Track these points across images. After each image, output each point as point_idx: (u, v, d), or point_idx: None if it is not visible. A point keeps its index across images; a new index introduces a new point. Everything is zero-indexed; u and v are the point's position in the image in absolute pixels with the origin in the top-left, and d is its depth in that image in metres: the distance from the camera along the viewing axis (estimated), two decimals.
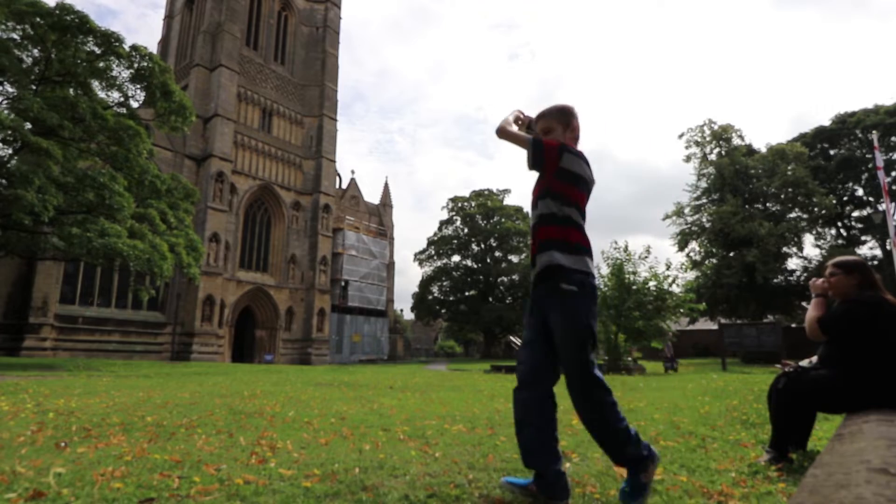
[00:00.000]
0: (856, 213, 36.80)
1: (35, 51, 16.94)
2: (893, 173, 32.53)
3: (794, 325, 30.88)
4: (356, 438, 3.72)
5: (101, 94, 18.14)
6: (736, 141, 36.99)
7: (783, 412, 2.86)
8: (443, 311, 49.00)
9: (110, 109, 17.53)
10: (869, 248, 35.78)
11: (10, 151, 16.41)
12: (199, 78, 33.08)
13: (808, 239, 36.18)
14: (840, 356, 2.77)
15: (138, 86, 18.19)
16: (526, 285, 44.81)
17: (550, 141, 2.26)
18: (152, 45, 41.62)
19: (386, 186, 49.70)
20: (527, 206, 61.91)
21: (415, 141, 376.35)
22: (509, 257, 47.98)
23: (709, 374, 15.60)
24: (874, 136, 18.18)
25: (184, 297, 29.94)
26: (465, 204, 49.28)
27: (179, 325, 29.76)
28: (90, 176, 15.70)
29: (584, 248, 2.22)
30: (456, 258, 49.30)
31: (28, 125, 15.35)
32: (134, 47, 17.45)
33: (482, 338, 51.38)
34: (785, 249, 33.47)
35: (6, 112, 14.60)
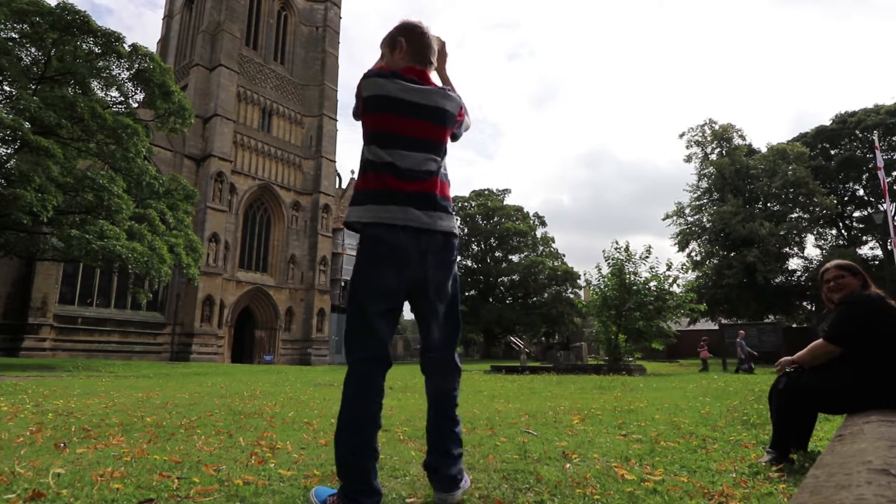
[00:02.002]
0: (857, 213, 36.84)
1: (34, 50, 16.93)
2: (894, 173, 32.53)
3: (794, 326, 30.89)
4: None
5: (101, 94, 18.14)
6: (737, 141, 37.02)
7: (784, 412, 2.86)
8: None
9: (109, 109, 17.52)
10: (870, 248, 35.81)
11: (10, 151, 16.41)
12: (198, 78, 33.07)
13: (809, 239, 36.21)
14: (842, 356, 2.77)
15: (138, 86, 18.19)
16: (526, 285, 44.84)
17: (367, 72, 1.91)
18: (149, 44, 41.60)
19: None
20: (527, 206, 61.92)
21: None
22: (509, 257, 47.98)
23: (709, 374, 15.61)
24: (875, 135, 18.19)
25: (183, 298, 29.93)
26: (465, 204, 49.27)
27: (179, 325, 29.75)
28: (89, 177, 15.69)
29: (362, 194, 1.84)
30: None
31: (27, 125, 15.36)
32: (134, 47, 17.44)
33: (482, 338, 51.37)
34: (786, 250, 33.49)
35: (5, 112, 14.60)
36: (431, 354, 2.00)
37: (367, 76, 1.86)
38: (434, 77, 2.05)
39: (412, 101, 1.83)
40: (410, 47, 1.95)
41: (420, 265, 1.81)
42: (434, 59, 2.01)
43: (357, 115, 1.94)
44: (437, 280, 1.86)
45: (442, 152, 1.93)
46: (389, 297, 1.83)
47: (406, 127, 1.83)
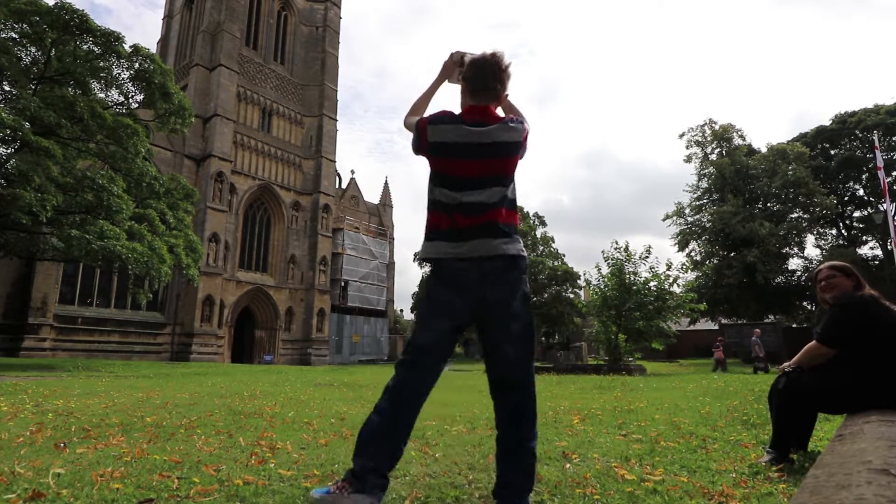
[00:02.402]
0: (857, 213, 36.84)
1: (34, 50, 16.93)
2: (894, 173, 32.54)
3: (794, 326, 30.89)
4: (356, 439, 3.71)
5: (101, 95, 18.14)
6: (737, 141, 37.02)
7: (784, 412, 2.86)
8: None
9: (109, 109, 17.51)
10: (870, 248, 35.83)
11: (10, 151, 16.40)
12: (198, 78, 33.07)
13: (809, 239, 36.22)
14: (841, 356, 2.77)
15: (138, 86, 18.18)
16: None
17: (426, 119, 2.04)
18: (148, 43, 41.63)
19: (386, 186, 49.70)
20: (527, 206, 61.84)
21: None
22: None
23: (709, 374, 15.61)
24: (875, 135, 18.19)
25: (183, 298, 29.93)
26: None
27: (179, 325, 29.75)
28: (89, 177, 15.68)
29: (433, 232, 2.02)
30: None
31: (27, 125, 15.35)
32: (135, 47, 17.44)
33: None
34: (786, 250, 33.49)
35: (6, 112, 14.60)
36: (501, 372, 2.06)
37: (431, 122, 1.99)
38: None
39: (473, 142, 1.93)
40: (470, 85, 2.03)
41: (480, 288, 1.93)
42: (497, 92, 2.05)
43: (417, 151, 2.07)
44: (500, 300, 1.95)
45: (506, 181, 2.01)
46: (450, 317, 1.98)
47: (469, 168, 1.95)
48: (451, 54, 2.17)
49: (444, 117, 1.99)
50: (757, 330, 19.00)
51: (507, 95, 2.13)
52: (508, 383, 2.05)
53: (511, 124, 1.99)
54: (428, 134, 1.98)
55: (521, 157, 2.06)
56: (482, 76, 2.00)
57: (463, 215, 1.95)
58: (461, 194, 1.95)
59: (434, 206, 2.03)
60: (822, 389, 2.77)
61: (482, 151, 1.93)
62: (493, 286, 1.94)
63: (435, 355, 2.02)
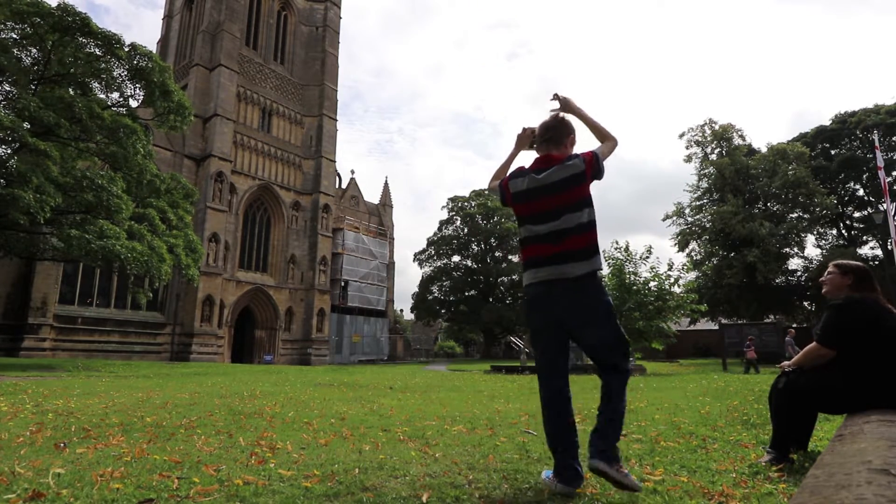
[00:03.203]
0: (857, 213, 36.82)
1: (34, 51, 16.93)
2: (894, 173, 32.54)
3: (794, 326, 30.88)
4: (356, 439, 3.72)
5: (101, 95, 18.13)
6: (737, 141, 37.01)
7: (784, 412, 2.86)
8: (443, 311, 48.94)
9: (108, 109, 17.51)
10: (870, 248, 35.80)
11: (10, 151, 16.40)
12: (198, 77, 33.06)
13: (810, 239, 36.21)
14: (840, 357, 2.77)
15: (137, 85, 18.18)
16: None
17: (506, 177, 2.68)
18: (147, 43, 41.55)
19: (386, 186, 49.68)
20: None
21: (414, 140, 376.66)
22: (509, 257, 47.91)
23: (709, 374, 15.60)
24: (875, 135, 18.20)
25: (183, 298, 29.92)
26: (465, 204, 49.21)
27: (179, 325, 29.75)
28: (88, 177, 15.67)
29: (524, 263, 2.57)
30: (456, 258, 49.25)
31: (27, 125, 15.35)
32: (133, 46, 17.43)
33: (482, 338, 51.32)
34: (786, 250, 33.48)
35: (4, 112, 14.59)
36: (598, 359, 2.44)
37: (510, 178, 2.61)
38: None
39: (538, 186, 2.46)
40: (536, 141, 2.65)
41: (557, 306, 2.39)
42: (553, 141, 2.57)
43: (505, 204, 2.68)
44: (578, 312, 2.38)
45: (574, 208, 2.40)
46: (545, 331, 2.48)
47: (540, 206, 2.46)
48: (524, 129, 2.78)
49: (516, 173, 2.61)
50: (791, 330, 18.67)
51: (570, 141, 2.61)
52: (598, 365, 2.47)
53: (566, 163, 2.45)
54: (509, 189, 2.58)
55: (597, 178, 2.45)
56: (540, 133, 2.60)
57: (539, 244, 2.45)
58: (532, 228, 2.48)
59: (521, 242, 2.60)
60: (821, 389, 2.77)
61: (546, 191, 2.43)
62: (571, 304, 2.37)
63: (548, 361, 2.49)
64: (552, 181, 2.42)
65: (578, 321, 2.39)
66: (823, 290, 3.05)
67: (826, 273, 3.06)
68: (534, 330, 2.50)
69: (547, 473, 2.42)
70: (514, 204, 2.58)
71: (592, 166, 2.44)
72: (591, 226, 2.40)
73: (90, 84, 17.39)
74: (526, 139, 2.77)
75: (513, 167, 2.77)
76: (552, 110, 2.66)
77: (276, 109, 37.14)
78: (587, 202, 2.42)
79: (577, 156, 2.48)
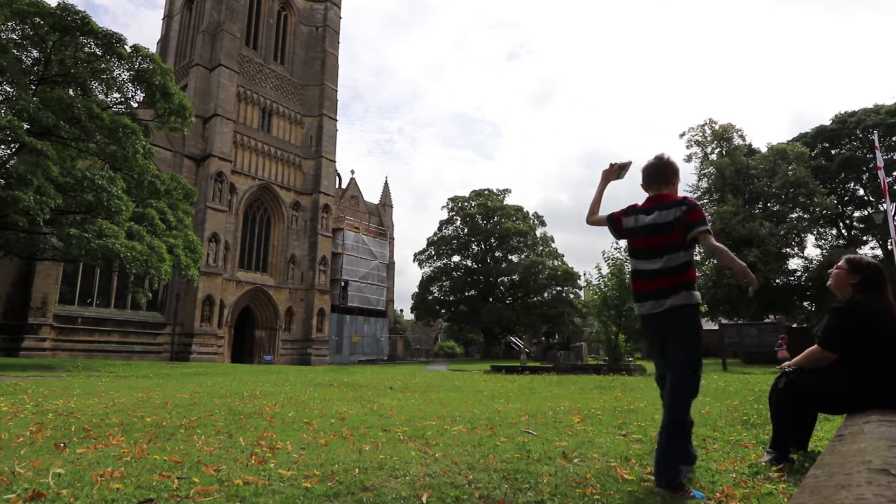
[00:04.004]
0: (857, 213, 36.81)
1: (35, 51, 16.91)
2: (894, 173, 32.52)
3: (794, 326, 30.89)
4: (356, 439, 3.72)
5: (101, 95, 18.11)
6: (737, 141, 36.99)
7: (784, 413, 2.86)
8: (443, 311, 48.90)
9: (108, 109, 17.50)
10: (870, 248, 35.77)
11: (10, 152, 16.39)
12: (198, 77, 33.05)
13: (810, 239, 36.19)
14: (840, 358, 2.77)
15: (138, 86, 18.17)
16: (526, 285, 44.80)
17: (617, 212, 2.93)
18: (145, 42, 41.59)
19: (386, 186, 49.65)
20: (526, 206, 61.79)
21: (414, 140, 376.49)
22: (509, 257, 47.88)
23: (709, 374, 15.58)
24: (875, 135, 18.19)
25: (183, 298, 29.92)
26: (465, 204, 49.17)
27: (179, 325, 29.74)
28: (88, 177, 15.67)
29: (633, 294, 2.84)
30: (456, 258, 49.19)
31: (26, 125, 15.33)
32: (135, 48, 17.42)
33: (482, 338, 51.29)
34: (786, 250, 33.47)
35: (3, 112, 14.59)
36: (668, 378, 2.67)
37: (624, 214, 2.81)
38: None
39: (642, 225, 2.70)
40: (643, 182, 2.81)
41: (657, 333, 2.69)
42: (661, 183, 2.76)
43: (618, 237, 2.92)
44: (669, 337, 2.65)
45: (672, 249, 2.60)
46: (654, 349, 2.81)
47: (641, 243, 2.71)
48: (611, 164, 3.03)
49: (629, 210, 2.82)
50: (783, 337, 18.58)
51: (676, 181, 2.81)
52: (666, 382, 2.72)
53: (670, 209, 2.63)
54: (622, 224, 2.81)
55: (692, 231, 2.55)
56: (648, 175, 2.79)
57: (639, 279, 2.72)
58: (637, 262, 2.75)
59: (631, 276, 2.87)
60: (822, 389, 2.77)
61: (648, 231, 2.67)
62: (664, 331, 2.65)
63: (661, 376, 2.79)
64: (652, 223, 2.66)
65: (672, 343, 2.65)
66: (828, 283, 3.03)
67: (835, 267, 3.03)
68: (647, 344, 2.98)
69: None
70: (628, 238, 2.82)
71: (688, 217, 2.58)
72: (689, 265, 2.65)
73: (90, 84, 17.36)
74: (612, 174, 3.02)
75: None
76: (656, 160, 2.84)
77: (276, 109, 37.13)
78: (682, 247, 2.61)
79: (684, 201, 2.64)
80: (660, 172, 2.75)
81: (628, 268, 18.71)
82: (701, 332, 2.68)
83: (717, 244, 2.58)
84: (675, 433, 2.43)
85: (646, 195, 2.81)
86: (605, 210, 3.01)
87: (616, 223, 2.83)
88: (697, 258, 35.42)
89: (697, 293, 2.61)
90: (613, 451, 3.28)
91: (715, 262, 33.95)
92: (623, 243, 19.71)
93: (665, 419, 2.52)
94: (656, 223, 2.63)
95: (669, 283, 2.57)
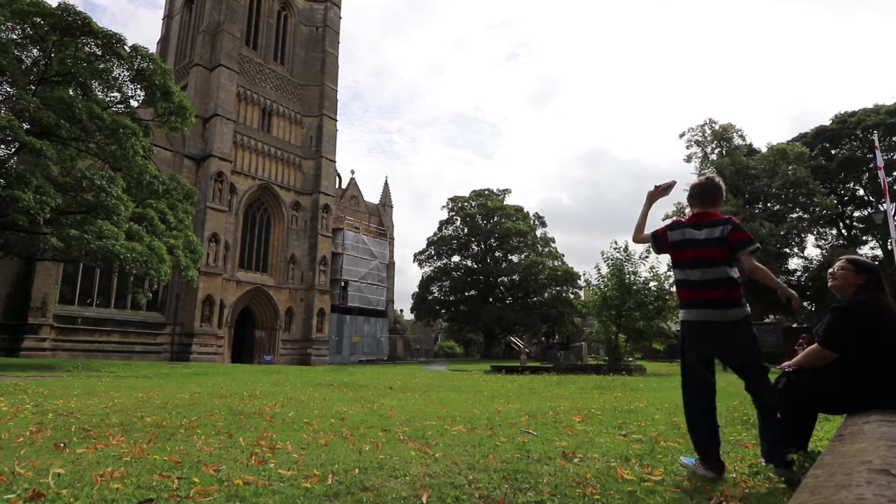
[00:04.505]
0: (857, 213, 36.83)
1: (35, 51, 16.92)
2: (894, 173, 32.52)
3: (794, 326, 30.88)
4: (356, 439, 3.72)
5: (101, 95, 18.11)
6: (737, 141, 37.02)
7: (784, 412, 2.86)
8: (443, 311, 48.89)
9: (108, 109, 17.50)
10: (870, 248, 35.81)
11: (10, 151, 16.39)
12: (198, 78, 33.05)
13: (810, 239, 36.20)
14: (841, 357, 2.77)
15: (138, 86, 18.18)
16: (526, 285, 44.79)
17: (661, 228, 3.12)
18: (144, 41, 41.51)
19: (386, 186, 49.66)
20: (526, 206, 61.81)
21: (413, 140, 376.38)
22: (509, 257, 47.88)
23: None
24: (875, 135, 18.19)
25: (183, 298, 29.92)
26: (465, 204, 49.17)
27: (179, 325, 29.74)
28: (88, 177, 15.67)
29: (680, 302, 2.99)
30: (456, 258, 49.19)
31: (26, 125, 15.33)
32: (134, 48, 17.42)
33: (482, 338, 51.28)
34: (786, 249, 33.48)
35: (3, 112, 14.59)
36: (750, 384, 2.86)
37: (669, 229, 3.03)
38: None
39: (689, 238, 2.90)
40: (693, 200, 3.05)
41: (713, 342, 2.82)
42: (710, 203, 2.98)
43: (659, 251, 3.12)
44: (729, 346, 2.83)
45: (718, 264, 2.81)
46: (699, 357, 2.92)
47: (689, 255, 2.89)
48: (656, 186, 3.24)
49: (673, 225, 3.03)
50: (804, 335, 18.57)
51: (722, 202, 3.03)
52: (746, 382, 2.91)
53: (717, 226, 2.85)
54: (667, 238, 3.01)
55: (735, 250, 2.80)
56: (698, 194, 3.01)
57: (688, 289, 2.87)
58: (684, 272, 2.90)
59: (677, 285, 3.01)
60: (822, 390, 2.77)
61: (694, 244, 2.88)
62: (724, 341, 2.80)
63: (698, 380, 2.90)
64: (699, 237, 2.87)
65: (734, 351, 2.85)
66: (830, 284, 3.01)
67: (837, 267, 3.00)
68: (690, 352, 2.93)
69: (687, 459, 2.88)
70: (671, 251, 3.01)
71: (733, 237, 2.82)
72: (735, 283, 2.82)
73: (90, 84, 17.36)
74: (657, 195, 3.24)
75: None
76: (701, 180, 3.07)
77: (276, 109, 37.14)
78: (728, 263, 2.85)
79: (729, 220, 2.88)
80: (710, 192, 2.99)
81: (628, 268, 18.77)
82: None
83: (759, 265, 2.81)
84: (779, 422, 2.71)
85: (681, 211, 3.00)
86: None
87: (660, 239, 3.06)
88: None
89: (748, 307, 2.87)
90: (613, 451, 3.28)
91: None
92: (622, 241, 19.74)
93: (770, 414, 2.72)
94: (708, 238, 2.84)
95: (724, 294, 2.78)
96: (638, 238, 3.24)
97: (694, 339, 2.90)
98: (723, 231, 2.82)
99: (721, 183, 3.05)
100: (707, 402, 2.86)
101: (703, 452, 2.69)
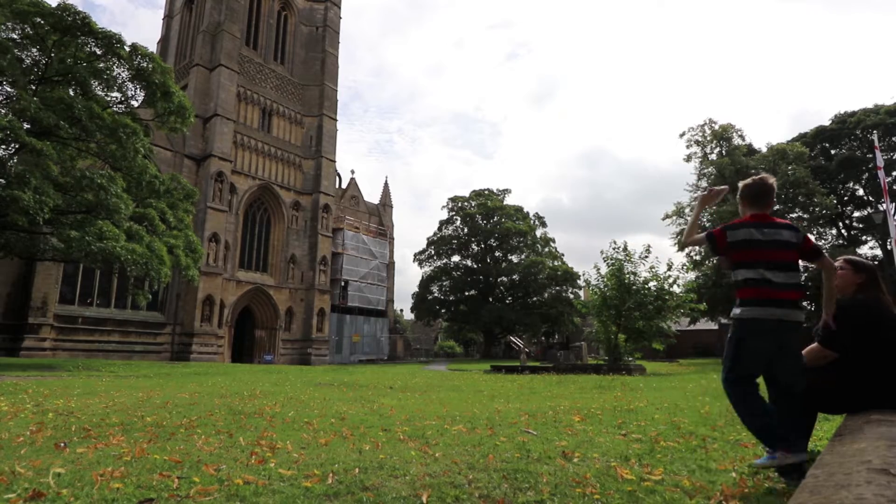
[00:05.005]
0: (856, 213, 36.83)
1: (35, 51, 16.91)
2: (894, 173, 32.53)
3: None
4: (356, 439, 3.72)
5: (102, 95, 18.10)
6: (736, 140, 37.02)
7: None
8: (443, 311, 48.90)
9: (108, 109, 17.49)
10: (869, 248, 35.81)
11: (11, 151, 16.39)
12: (198, 78, 33.05)
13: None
14: (841, 357, 2.77)
15: (138, 85, 18.17)
16: (526, 285, 44.79)
17: (717, 229, 2.95)
18: (143, 40, 41.53)
19: (386, 186, 49.67)
20: (526, 206, 61.81)
21: (413, 140, 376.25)
22: (509, 257, 47.88)
23: (709, 374, 15.60)
24: (874, 135, 18.19)
25: (183, 298, 29.92)
26: (465, 204, 49.17)
27: (179, 325, 29.74)
28: (88, 176, 15.66)
29: (746, 301, 2.82)
30: (456, 258, 49.21)
31: (27, 125, 15.32)
32: (134, 47, 17.42)
33: (482, 338, 51.28)
34: None
35: (3, 112, 14.58)
36: (783, 379, 2.80)
37: (727, 229, 2.87)
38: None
39: (758, 239, 2.77)
40: (750, 201, 2.94)
41: (775, 341, 2.72)
42: (763, 203, 2.90)
43: (716, 252, 2.97)
44: (787, 345, 2.74)
45: (794, 267, 2.77)
46: (759, 355, 2.80)
47: (763, 256, 2.75)
48: (710, 189, 3.17)
49: (735, 226, 2.87)
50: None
51: (773, 204, 2.97)
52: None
53: (782, 229, 2.80)
54: (726, 238, 2.85)
55: (812, 257, 2.82)
56: (754, 194, 2.92)
57: (770, 288, 2.72)
58: (757, 272, 2.74)
59: (744, 283, 2.82)
60: (821, 389, 2.77)
61: (772, 245, 2.75)
62: (787, 340, 2.72)
63: (753, 377, 2.83)
64: (784, 239, 2.78)
65: (787, 351, 2.76)
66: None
67: (837, 267, 3.01)
68: (749, 351, 2.81)
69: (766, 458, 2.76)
70: (733, 251, 2.87)
71: (809, 251, 2.84)
72: (800, 287, 2.80)
73: (90, 83, 17.36)
74: (711, 199, 3.18)
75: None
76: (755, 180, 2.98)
77: (276, 109, 37.14)
78: (798, 269, 2.85)
79: (796, 228, 2.86)
80: (765, 194, 2.93)
81: (628, 268, 18.76)
82: None
83: (832, 263, 2.87)
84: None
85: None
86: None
87: (717, 240, 2.91)
88: (697, 258, 35.50)
89: None
90: (613, 450, 3.28)
91: (715, 262, 33.97)
92: (622, 241, 19.71)
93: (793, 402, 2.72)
94: (777, 240, 2.79)
95: (799, 296, 2.77)
96: (690, 241, 3.13)
97: (760, 336, 2.77)
98: (795, 237, 2.79)
99: (774, 184, 2.98)
100: (758, 392, 2.84)
101: (783, 439, 2.59)
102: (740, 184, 3.03)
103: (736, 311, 2.86)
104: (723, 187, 3.15)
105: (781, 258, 2.76)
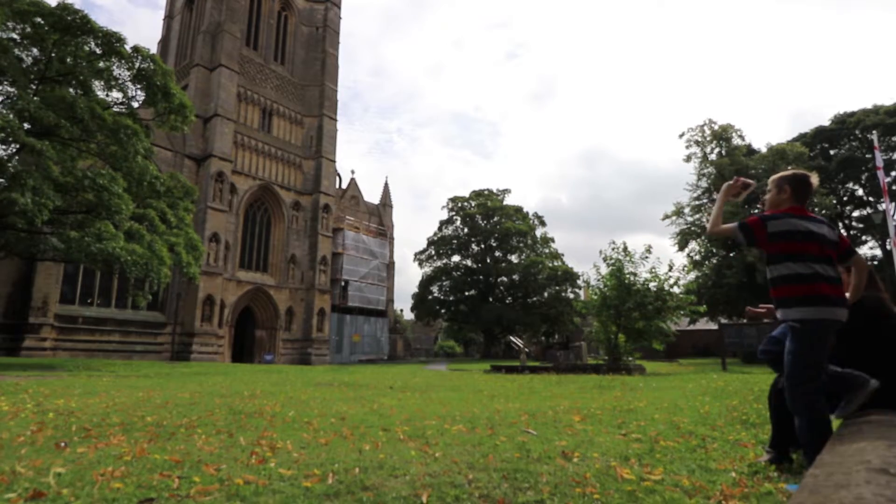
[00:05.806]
0: (856, 213, 36.84)
1: (35, 50, 16.92)
2: (893, 173, 32.54)
3: None
4: (356, 438, 3.72)
5: (102, 94, 18.12)
6: (736, 141, 37.05)
7: (783, 412, 2.86)
8: (443, 311, 48.92)
9: (110, 109, 17.50)
10: (869, 248, 35.80)
11: (11, 152, 16.39)
12: (198, 78, 33.06)
13: None
14: (840, 357, 2.78)
15: (139, 86, 18.18)
16: (526, 285, 44.80)
17: (752, 218, 2.78)
18: (142, 41, 41.50)
19: (386, 186, 49.65)
20: (526, 206, 61.90)
21: (413, 140, 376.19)
22: (509, 257, 47.89)
23: (709, 374, 15.60)
24: (874, 136, 18.19)
25: (184, 297, 29.93)
26: (465, 204, 49.20)
27: (179, 325, 29.75)
28: (89, 176, 15.67)
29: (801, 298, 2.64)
30: (456, 258, 49.22)
31: (27, 125, 15.31)
32: (135, 48, 17.43)
33: (482, 338, 51.28)
34: None
35: (3, 112, 14.58)
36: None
37: (766, 220, 2.70)
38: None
39: (805, 231, 2.64)
40: (795, 194, 2.80)
41: (831, 341, 2.59)
42: (804, 198, 2.81)
43: (752, 243, 2.78)
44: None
45: (833, 262, 2.66)
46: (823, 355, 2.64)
47: (814, 249, 2.62)
48: (737, 179, 3.01)
49: (776, 216, 2.72)
50: None
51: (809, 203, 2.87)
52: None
53: (822, 224, 2.71)
54: (766, 228, 2.68)
55: (847, 255, 2.78)
56: (800, 189, 2.81)
57: (827, 284, 2.59)
58: (807, 265, 2.60)
59: (787, 280, 2.67)
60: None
61: (822, 239, 2.65)
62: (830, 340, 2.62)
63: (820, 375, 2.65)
64: (826, 234, 2.69)
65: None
66: None
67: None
68: (818, 354, 2.63)
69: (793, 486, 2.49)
70: (773, 243, 2.71)
71: (846, 248, 2.79)
72: (835, 281, 2.69)
73: (91, 83, 17.37)
74: (735, 189, 3.00)
75: None
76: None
77: (276, 109, 37.16)
78: (834, 266, 2.75)
79: (832, 224, 2.80)
80: (807, 186, 2.84)
81: (627, 268, 18.76)
82: None
83: (865, 261, 2.84)
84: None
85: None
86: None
87: (755, 229, 2.72)
88: (697, 257, 35.54)
89: None
90: (613, 450, 3.29)
91: (715, 262, 34.01)
92: (621, 242, 19.71)
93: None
94: (826, 235, 2.70)
95: (835, 291, 2.62)
96: (715, 231, 2.94)
97: (828, 338, 2.59)
98: (835, 234, 2.73)
99: (813, 179, 2.89)
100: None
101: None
102: (789, 171, 2.90)
103: (797, 312, 2.60)
104: (751, 181, 3.02)
105: (828, 253, 2.66)
